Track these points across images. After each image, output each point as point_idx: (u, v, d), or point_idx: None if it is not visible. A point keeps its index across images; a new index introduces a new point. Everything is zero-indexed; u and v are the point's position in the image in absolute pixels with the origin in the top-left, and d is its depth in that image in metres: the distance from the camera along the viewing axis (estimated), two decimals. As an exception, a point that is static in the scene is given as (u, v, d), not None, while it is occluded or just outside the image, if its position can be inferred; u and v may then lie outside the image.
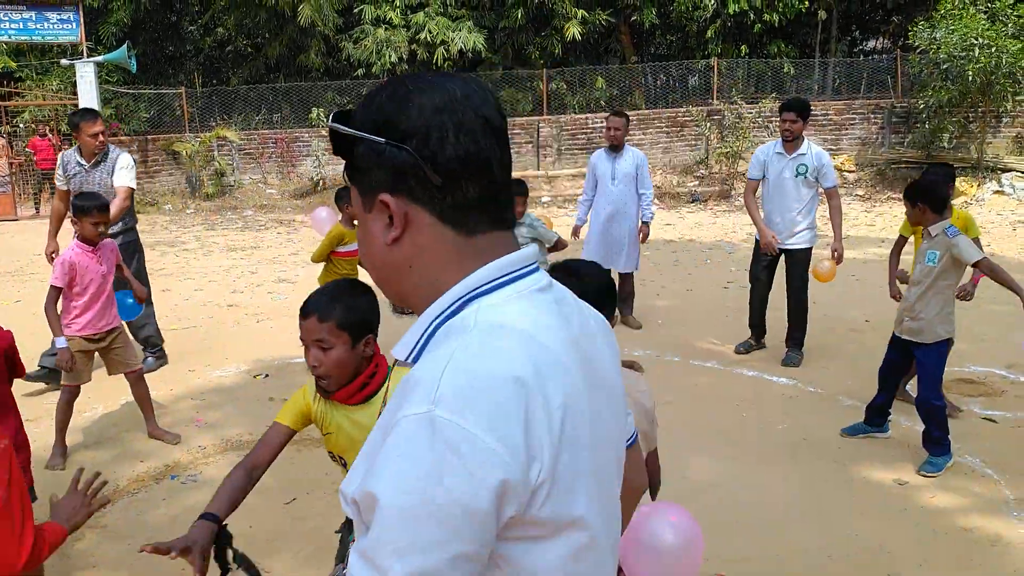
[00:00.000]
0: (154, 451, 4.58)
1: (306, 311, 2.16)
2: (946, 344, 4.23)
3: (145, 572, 3.27)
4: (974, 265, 4.13)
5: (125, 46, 14.69)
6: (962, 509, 3.82)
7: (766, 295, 6.13)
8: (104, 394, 5.29)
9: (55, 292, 4.32)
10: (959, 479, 4.11)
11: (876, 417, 4.59)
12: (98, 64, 14.52)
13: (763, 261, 6.06)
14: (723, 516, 3.77)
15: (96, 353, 4.57)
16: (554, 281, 1.05)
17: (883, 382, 4.54)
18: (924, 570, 3.33)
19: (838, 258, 5.81)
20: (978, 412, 4.95)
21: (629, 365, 2.26)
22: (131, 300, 4.85)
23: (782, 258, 6.02)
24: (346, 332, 2.15)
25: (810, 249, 5.91)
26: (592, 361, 1.02)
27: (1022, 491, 3.95)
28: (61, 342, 4.29)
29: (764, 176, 6.00)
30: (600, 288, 2.11)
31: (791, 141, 5.80)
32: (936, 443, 4.18)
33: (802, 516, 3.79)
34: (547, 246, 5.52)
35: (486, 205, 0.98)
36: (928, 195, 4.21)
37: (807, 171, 5.78)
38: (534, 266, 1.01)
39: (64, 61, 14.80)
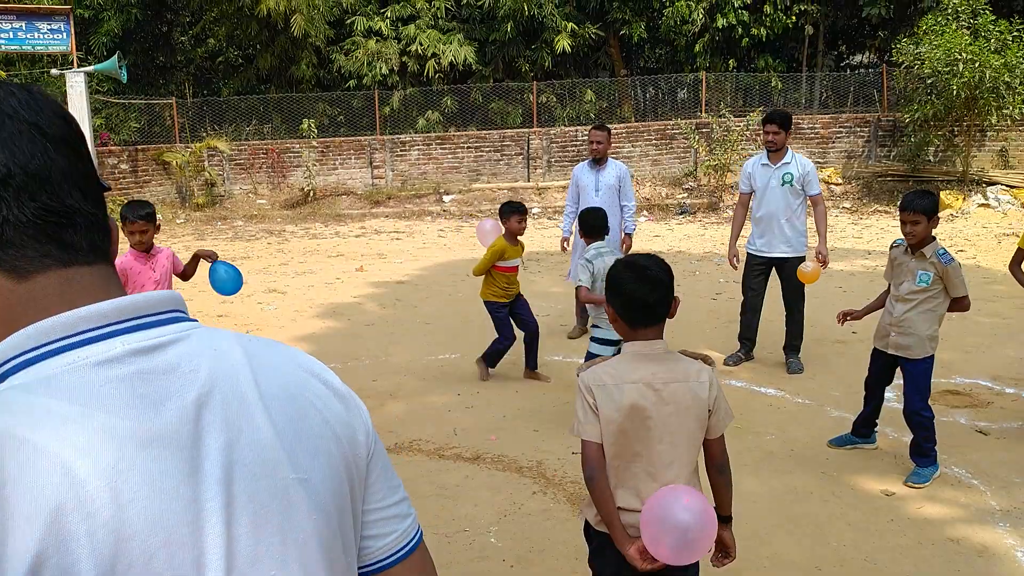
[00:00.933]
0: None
1: None
2: (932, 357, 4.28)
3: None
4: (955, 298, 4.19)
5: (116, 56, 14.68)
6: (949, 520, 3.85)
7: (759, 306, 6.17)
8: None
9: None
10: (946, 490, 4.15)
11: (863, 428, 4.63)
12: (88, 74, 14.51)
13: (755, 271, 6.11)
14: (712, 527, 3.78)
15: None
16: (179, 340, 0.79)
17: (869, 393, 4.58)
18: (911, 580, 3.36)
19: (823, 261, 5.89)
20: (964, 423, 5.00)
21: (703, 358, 2.43)
22: (222, 274, 4.42)
23: (773, 269, 6.08)
24: None
25: (802, 257, 5.97)
26: (215, 463, 0.75)
27: (1008, 502, 3.99)
28: None
29: (753, 189, 6.10)
30: (668, 278, 2.33)
31: (775, 152, 5.92)
32: (923, 454, 4.22)
33: (789, 527, 3.81)
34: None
35: (48, 233, 0.76)
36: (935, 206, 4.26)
37: (792, 179, 5.88)
38: (110, 327, 0.76)
39: (54, 71, 14.77)
